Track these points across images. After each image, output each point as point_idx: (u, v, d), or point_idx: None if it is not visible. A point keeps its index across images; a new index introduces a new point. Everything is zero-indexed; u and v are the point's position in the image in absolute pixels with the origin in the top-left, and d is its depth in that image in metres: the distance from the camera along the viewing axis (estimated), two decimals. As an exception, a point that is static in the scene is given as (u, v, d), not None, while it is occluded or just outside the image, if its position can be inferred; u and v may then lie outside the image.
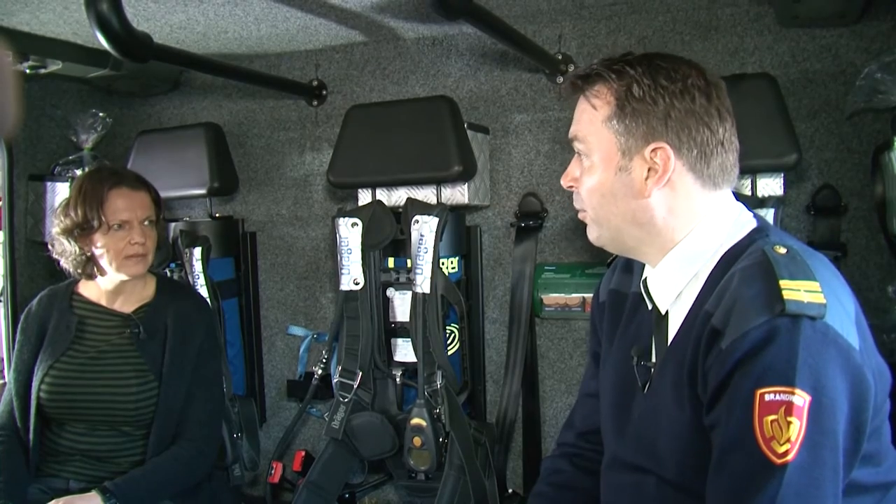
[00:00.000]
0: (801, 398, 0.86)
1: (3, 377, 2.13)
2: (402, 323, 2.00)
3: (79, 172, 2.34)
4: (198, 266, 2.13)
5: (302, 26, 2.02)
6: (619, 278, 1.26)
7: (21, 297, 2.25)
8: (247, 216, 2.48)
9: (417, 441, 1.92)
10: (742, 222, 1.07)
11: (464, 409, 2.00)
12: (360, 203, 2.06)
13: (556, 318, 2.11)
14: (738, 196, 1.12)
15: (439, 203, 1.97)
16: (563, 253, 2.12)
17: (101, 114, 2.42)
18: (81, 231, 1.69)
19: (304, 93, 2.34)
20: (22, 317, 1.82)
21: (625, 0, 1.88)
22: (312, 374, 2.18)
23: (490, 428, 2.07)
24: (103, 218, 1.69)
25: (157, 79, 2.43)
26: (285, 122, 2.42)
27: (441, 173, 1.91)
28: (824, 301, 0.90)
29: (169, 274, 2.16)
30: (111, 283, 1.77)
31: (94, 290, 1.80)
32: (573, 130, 1.12)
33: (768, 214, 1.67)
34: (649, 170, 1.04)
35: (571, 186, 1.14)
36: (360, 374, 2.01)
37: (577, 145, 1.12)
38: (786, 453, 0.86)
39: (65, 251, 1.73)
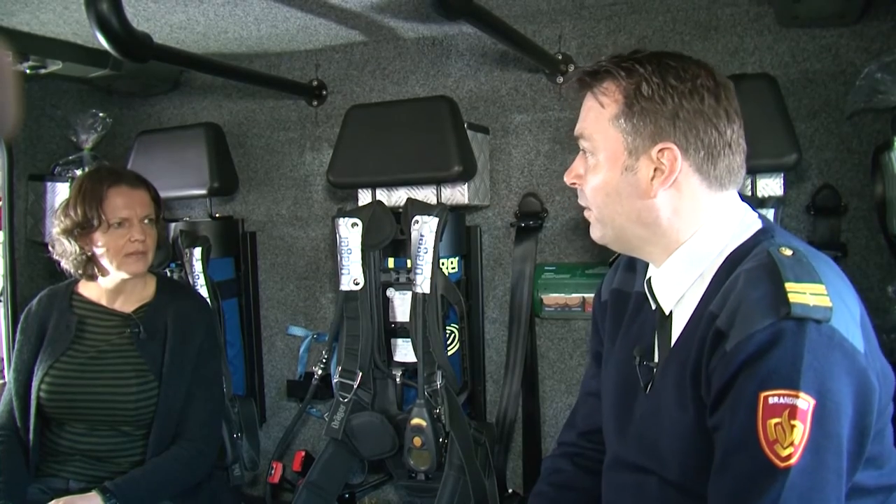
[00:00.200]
0: (805, 402, 0.86)
1: (3, 377, 2.13)
2: (402, 323, 2.00)
3: (79, 172, 2.34)
4: (198, 266, 2.13)
5: (302, 26, 2.02)
6: (621, 277, 1.26)
7: (21, 297, 2.25)
8: (247, 216, 2.48)
9: (417, 441, 1.92)
10: (747, 223, 1.06)
11: (464, 409, 2.00)
12: (360, 203, 2.06)
13: (556, 318, 2.11)
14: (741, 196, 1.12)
15: (439, 203, 1.97)
16: (563, 253, 2.12)
17: (101, 114, 2.42)
18: (82, 230, 1.70)
19: (304, 93, 2.34)
20: (22, 317, 1.82)
21: (625, 0, 1.88)
22: (312, 374, 2.18)
23: (490, 428, 2.07)
24: (103, 216, 1.69)
25: (157, 79, 2.43)
26: (285, 122, 2.42)
27: (441, 173, 1.91)
28: (830, 304, 0.89)
29: (169, 274, 2.16)
30: (111, 282, 1.77)
31: (94, 289, 1.80)
32: (579, 128, 1.10)
33: (768, 214, 1.67)
34: (655, 170, 1.04)
35: (575, 183, 1.13)
36: (360, 374, 2.01)
37: (582, 143, 1.10)
38: (789, 457, 0.85)
39: (65, 251, 1.73)
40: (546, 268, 2.10)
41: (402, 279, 2.01)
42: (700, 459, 0.97)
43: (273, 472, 2.21)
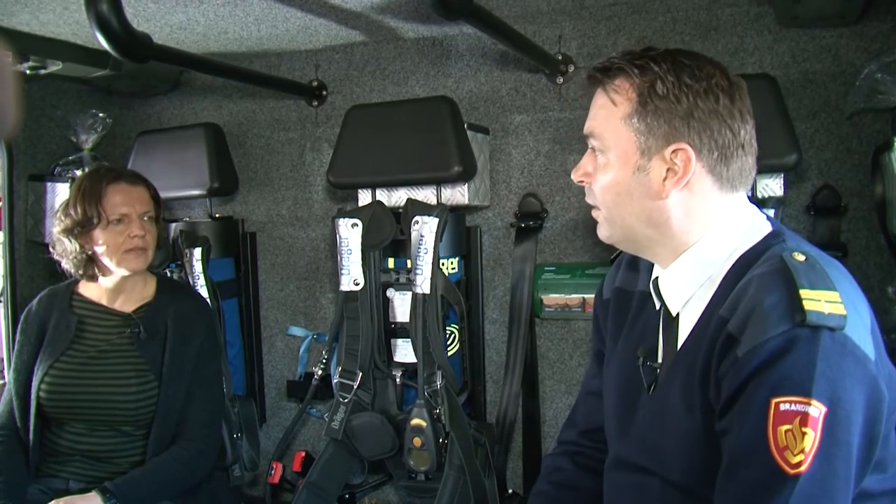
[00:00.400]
0: (816, 409, 0.85)
1: (3, 377, 2.13)
2: (402, 323, 2.00)
3: (79, 173, 2.34)
4: (198, 266, 2.13)
5: (302, 26, 2.02)
6: (624, 276, 1.25)
7: (21, 297, 2.25)
8: (247, 216, 2.48)
9: (417, 441, 1.92)
10: (757, 226, 1.05)
11: (464, 409, 2.00)
12: (360, 203, 2.06)
13: (556, 318, 2.11)
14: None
15: (439, 203, 1.97)
16: (563, 253, 2.12)
17: (101, 114, 2.42)
18: (82, 229, 1.70)
19: (304, 93, 2.34)
20: (22, 317, 1.82)
21: (625, 0, 1.88)
22: (312, 374, 2.18)
23: (490, 428, 2.06)
24: (102, 213, 1.69)
25: (157, 79, 2.43)
26: (285, 122, 2.42)
27: (441, 174, 1.91)
28: (844, 312, 0.89)
29: (169, 274, 2.16)
30: (112, 282, 1.77)
31: (94, 289, 1.80)
32: (589, 126, 1.08)
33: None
34: (668, 170, 1.02)
35: (582, 181, 1.11)
36: (360, 374, 2.00)
37: (591, 141, 1.08)
38: (799, 464, 0.85)
39: (66, 251, 1.73)
40: (546, 268, 2.10)
41: (402, 279, 2.01)
42: (704, 462, 0.96)
43: (273, 472, 2.21)
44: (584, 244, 2.09)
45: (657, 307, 1.12)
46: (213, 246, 2.20)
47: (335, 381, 2.05)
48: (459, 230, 2.04)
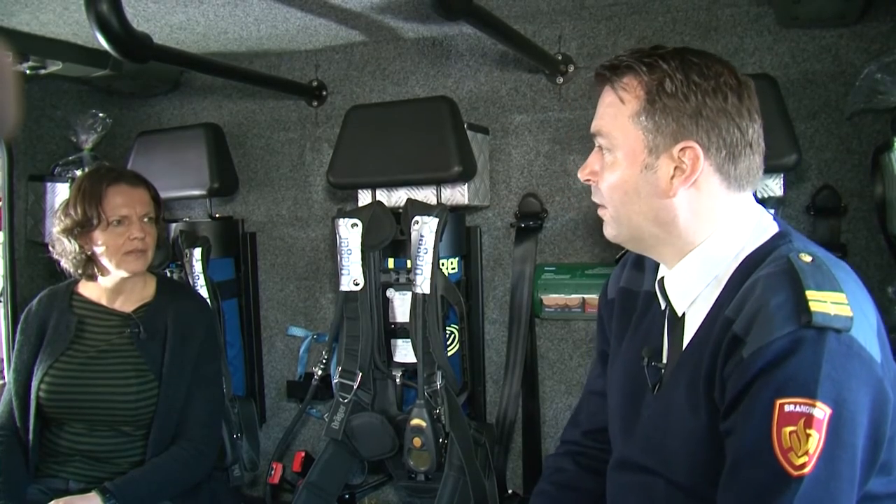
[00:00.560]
0: (821, 411, 0.85)
1: (3, 377, 2.13)
2: (401, 323, 2.00)
3: (79, 173, 2.34)
4: (198, 266, 2.13)
5: (302, 26, 2.02)
6: (629, 275, 1.24)
7: (21, 297, 2.25)
8: (247, 216, 2.48)
9: (417, 442, 1.92)
10: (764, 226, 1.05)
11: (463, 409, 2.00)
12: (360, 203, 2.06)
13: (556, 318, 2.11)
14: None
15: (439, 203, 1.97)
16: (562, 254, 2.12)
17: (100, 114, 2.42)
18: (81, 229, 1.70)
19: (304, 93, 2.34)
20: (22, 317, 1.82)
21: (625, 0, 1.88)
22: (312, 374, 2.18)
23: (490, 428, 2.06)
24: (102, 214, 1.69)
25: (157, 79, 2.43)
26: (285, 122, 2.42)
27: (441, 174, 1.91)
28: (851, 314, 0.89)
29: (169, 274, 2.16)
30: (111, 282, 1.77)
31: (94, 289, 1.80)
32: (596, 125, 1.08)
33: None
34: (676, 169, 1.01)
35: (589, 180, 1.11)
36: (360, 374, 2.00)
37: (598, 140, 1.08)
38: (803, 465, 0.85)
39: (65, 251, 1.73)
40: (546, 268, 2.10)
41: (402, 279, 2.01)
42: (709, 463, 0.96)
43: (273, 472, 2.21)
44: (583, 244, 2.09)
45: (662, 307, 1.12)
46: (213, 246, 2.20)
47: (335, 381, 2.05)
48: (459, 230, 2.04)
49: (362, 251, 1.98)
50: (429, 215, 1.89)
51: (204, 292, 2.11)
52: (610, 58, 1.07)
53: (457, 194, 1.98)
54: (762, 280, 0.94)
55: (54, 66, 2.04)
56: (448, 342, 1.96)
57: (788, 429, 0.86)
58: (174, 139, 2.31)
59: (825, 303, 0.88)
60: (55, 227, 1.74)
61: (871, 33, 1.80)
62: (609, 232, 1.12)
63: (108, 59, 2.11)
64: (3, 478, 1.65)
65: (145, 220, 1.76)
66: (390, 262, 2.02)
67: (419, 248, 1.89)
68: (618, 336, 1.22)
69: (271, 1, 1.76)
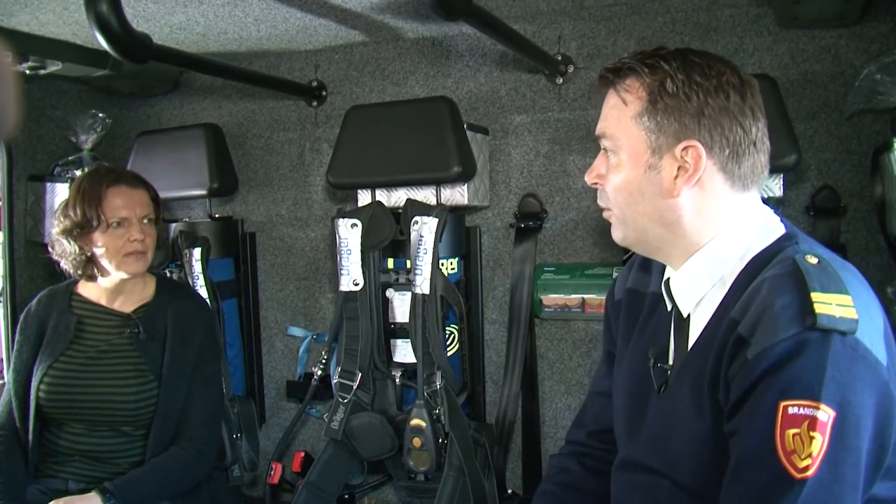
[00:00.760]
0: (825, 413, 0.85)
1: (3, 377, 2.13)
2: (401, 324, 2.00)
3: (78, 173, 2.34)
4: (197, 266, 2.13)
5: (302, 26, 2.02)
6: (636, 277, 1.24)
7: (21, 298, 2.25)
8: (246, 217, 2.48)
9: (417, 442, 1.92)
10: (770, 227, 1.05)
11: (463, 409, 2.00)
12: (360, 204, 2.06)
13: (556, 318, 2.11)
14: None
15: (439, 204, 1.97)
16: (562, 254, 2.12)
17: (100, 114, 2.43)
18: (81, 230, 1.70)
19: (304, 93, 2.34)
20: (21, 317, 1.82)
21: (625, 1, 1.88)
22: (312, 374, 2.18)
23: (489, 428, 2.07)
24: (102, 216, 1.69)
25: (156, 79, 2.43)
26: (285, 122, 2.42)
27: (441, 174, 1.91)
28: (856, 316, 0.88)
29: (169, 274, 2.16)
30: (111, 282, 1.77)
31: (93, 290, 1.80)
32: (601, 127, 1.08)
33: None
34: (679, 168, 1.02)
35: (596, 183, 1.11)
36: (360, 374, 2.00)
37: (603, 142, 1.08)
38: (806, 468, 0.84)
39: (65, 252, 1.73)
40: (545, 268, 2.10)
41: (402, 280, 2.01)
42: (714, 464, 0.96)
43: (272, 472, 2.21)
44: (583, 244, 2.09)
45: (669, 308, 1.12)
46: (212, 246, 2.20)
47: (335, 381, 2.05)
48: (459, 230, 2.04)
49: (362, 251, 1.98)
50: (428, 215, 1.89)
51: (203, 292, 2.11)
52: (612, 60, 1.08)
53: (456, 194, 1.98)
54: (768, 281, 0.94)
55: (54, 66, 2.04)
56: (448, 342, 1.96)
57: (792, 431, 0.85)
58: (174, 139, 2.31)
59: (830, 305, 0.88)
60: (54, 229, 1.74)
61: (870, 34, 1.80)
62: (616, 234, 1.12)
63: (108, 60, 2.11)
64: (3, 478, 1.65)
65: (145, 221, 1.76)
66: (390, 263, 2.02)
67: (419, 248, 1.89)
68: (624, 337, 1.22)
69: (271, 1, 1.76)
